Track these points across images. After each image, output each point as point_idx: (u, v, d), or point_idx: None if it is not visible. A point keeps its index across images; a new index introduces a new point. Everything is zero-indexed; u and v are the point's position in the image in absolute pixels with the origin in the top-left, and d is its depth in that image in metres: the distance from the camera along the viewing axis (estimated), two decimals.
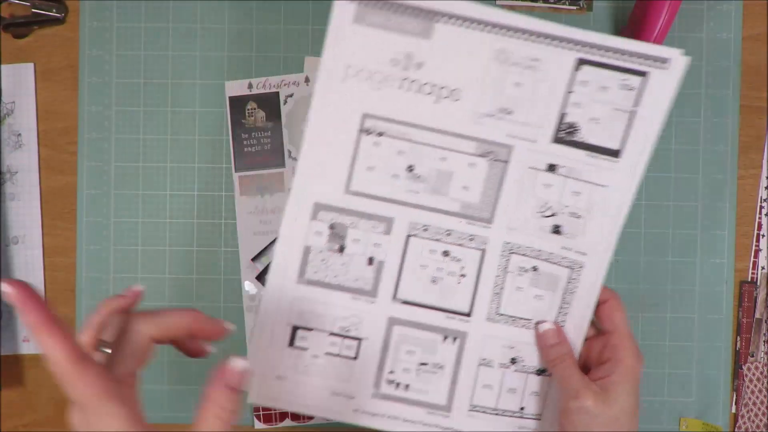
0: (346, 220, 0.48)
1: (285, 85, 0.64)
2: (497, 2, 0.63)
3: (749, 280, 0.65)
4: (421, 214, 0.48)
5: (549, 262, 0.49)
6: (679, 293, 0.64)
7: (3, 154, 0.65)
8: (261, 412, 0.64)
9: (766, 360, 0.65)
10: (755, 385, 0.65)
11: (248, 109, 0.64)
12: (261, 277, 0.63)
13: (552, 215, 0.48)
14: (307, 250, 0.48)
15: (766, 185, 0.65)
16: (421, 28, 0.45)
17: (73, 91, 0.65)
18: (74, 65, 0.65)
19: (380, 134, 0.47)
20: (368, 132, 0.47)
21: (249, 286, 0.64)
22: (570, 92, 0.46)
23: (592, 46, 0.45)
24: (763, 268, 0.65)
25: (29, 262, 0.65)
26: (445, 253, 0.48)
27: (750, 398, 0.64)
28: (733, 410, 0.64)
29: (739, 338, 0.64)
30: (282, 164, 0.64)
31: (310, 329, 0.48)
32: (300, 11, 0.64)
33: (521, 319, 0.49)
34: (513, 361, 0.50)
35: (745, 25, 0.63)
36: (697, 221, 0.64)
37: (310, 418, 0.64)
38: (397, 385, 0.49)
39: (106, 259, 0.65)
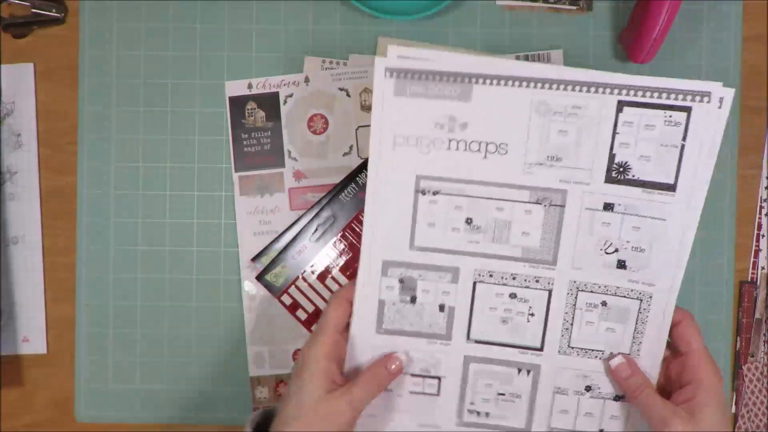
0: (414, 273, 0.50)
1: (285, 85, 0.64)
2: (497, 2, 0.63)
3: (749, 280, 0.65)
4: (485, 261, 0.50)
5: (617, 296, 0.50)
6: (679, 293, 0.64)
7: (3, 154, 0.65)
8: None
9: (766, 360, 0.65)
10: (755, 385, 0.65)
11: (248, 109, 0.64)
12: (261, 277, 0.63)
13: (615, 251, 0.50)
14: (381, 304, 0.51)
15: (766, 185, 0.65)
16: (459, 91, 0.47)
17: (73, 91, 0.65)
18: (74, 65, 0.65)
19: (435, 193, 0.49)
20: (424, 192, 0.49)
21: (249, 286, 0.64)
22: (616, 133, 0.48)
23: (631, 87, 0.47)
24: (763, 268, 0.65)
25: (29, 262, 0.65)
26: (512, 296, 0.51)
27: (750, 398, 0.64)
28: (733, 410, 0.64)
29: (739, 338, 0.64)
30: (282, 164, 0.64)
31: None
32: (299, 11, 0.64)
33: (594, 350, 0.51)
34: (588, 388, 0.52)
35: (745, 25, 0.63)
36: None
37: None
38: (479, 413, 0.52)
39: (106, 259, 0.65)
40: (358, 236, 0.63)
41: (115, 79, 0.65)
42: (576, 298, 0.51)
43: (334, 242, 0.63)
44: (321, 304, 0.63)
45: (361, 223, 0.63)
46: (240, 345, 0.64)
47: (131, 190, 0.65)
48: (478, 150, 0.48)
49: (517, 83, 0.47)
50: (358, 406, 0.47)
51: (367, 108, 0.63)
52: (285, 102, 0.64)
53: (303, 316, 0.63)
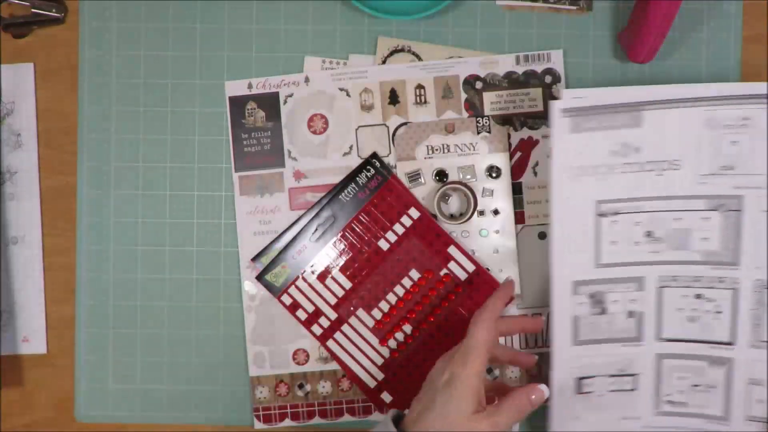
0: (602, 288, 0.55)
1: (285, 85, 0.64)
2: (497, 2, 0.63)
3: None
4: (667, 268, 0.54)
5: None
6: None
7: (3, 154, 0.65)
8: (261, 413, 0.64)
9: None
10: None
11: (248, 109, 0.64)
12: (261, 277, 0.63)
13: None
14: (575, 320, 0.56)
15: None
16: (630, 120, 0.53)
17: (73, 91, 0.65)
18: (74, 65, 0.65)
19: (615, 213, 0.54)
20: (604, 215, 0.54)
21: (249, 286, 0.64)
22: None
23: None
24: None
25: (29, 262, 0.65)
26: (698, 296, 0.54)
27: None
28: None
29: None
30: (282, 164, 0.64)
31: (592, 377, 0.56)
32: (300, 11, 0.64)
33: None
34: None
35: (745, 25, 0.63)
36: None
37: (311, 417, 0.64)
38: (675, 403, 0.56)
39: (106, 259, 0.65)
40: (358, 236, 0.63)
41: (115, 79, 0.65)
42: (763, 295, 0.53)
43: (334, 242, 0.63)
44: (321, 304, 0.63)
45: (360, 223, 0.63)
46: (240, 345, 0.64)
47: (131, 190, 0.65)
48: (652, 169, 0.53)
49: (684, 104, 0.52)
50: (499, 429, 0.49)
51: (366, 108, 0.63)
52: (285, 102, 0.64)
53: (303, 316, 0.63)
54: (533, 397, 0.51)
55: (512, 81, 0.63)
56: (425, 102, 0.63)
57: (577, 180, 0.54)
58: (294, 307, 0.63)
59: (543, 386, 0.51)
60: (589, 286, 0.55)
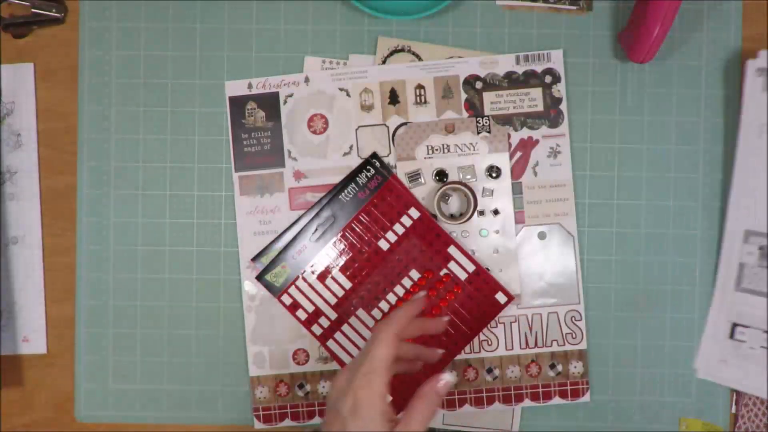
0: None
1: (285, 85, 0.64)
2: (497, 2, 0.63)
3: None
4: None
5: None
6: (678, 293, 0.64)
7: (3, 154, 0.65)
8: (261, 413, 0.64)
9: None
10: None
11: (248, 109, 0.64)
12: (261, 277, 0.63)
13: None
14: (741, 267, 0.60)
15: None
16: None
17: (73, 91, 0.65)
18: (74, 65, 0.65)
19: None
20: None
21: (249, 286, 0.64)
22: None
23: None
24: None
25: (29, 262, 0.65)
26: None
27: (750, 398, 0.64)
28: (733, 410, 0.64)
29: None
30: (282, 164, 0.64)
31: (747, 327, 0.60)
32: (300, 11, 0.64)
33: None
34: None
35: (745, 25, 0.63)
36: (696, 221, 0.64)
37: (311, 417, 0.64)
38: None
39: (106, 259, 0.65)
40: (358, 236, 0.63)
41: (115, 79, 0.65)
42: None
43: (334, 242, 0.63)
44: (321, 304, 0.63)
45: (360, 223, 0.63)
46: (240, 345, 0.64)
47: (131, 190, 0.65)
48: None
49: None
50: None
51: (366, 108, 0.63)
52: (285, 102, 0.64)
53: (303, 316, 0.63)
54: (439, 385, 0.49)
55: (512, 81, 0.63)
56: (425, 102, 0.63)
57: (762, 137, 0.58)
58: (294, 307, 0.63)
59: (445, 374, 0.50)
60: (761, 237, 0.59)
